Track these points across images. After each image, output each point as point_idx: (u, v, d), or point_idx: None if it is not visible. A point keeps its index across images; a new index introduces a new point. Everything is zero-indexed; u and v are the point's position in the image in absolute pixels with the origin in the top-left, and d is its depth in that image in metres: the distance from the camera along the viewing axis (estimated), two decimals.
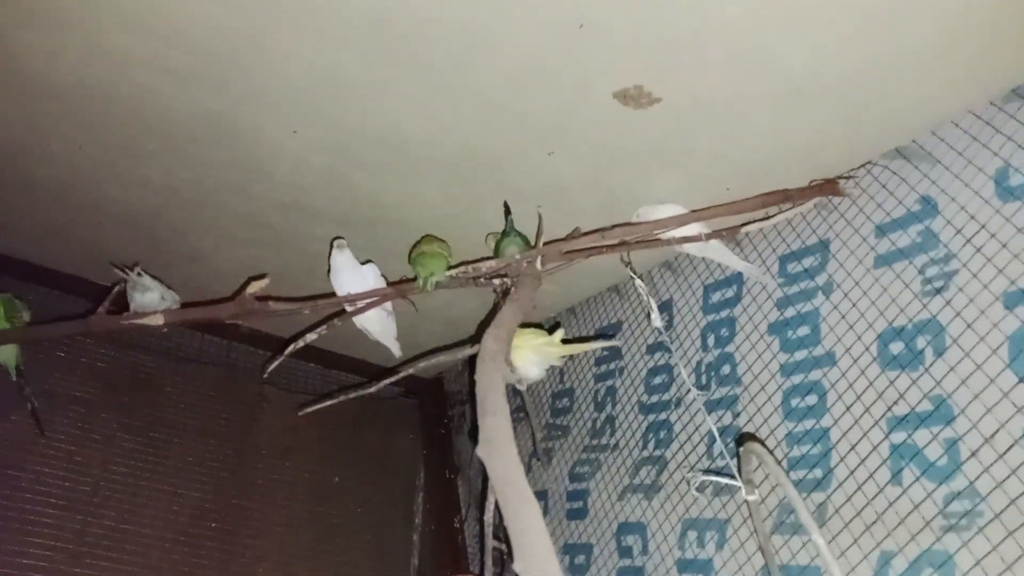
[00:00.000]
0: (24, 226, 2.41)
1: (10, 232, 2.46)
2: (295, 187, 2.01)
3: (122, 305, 1.96)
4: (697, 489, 1.67)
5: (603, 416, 2.28)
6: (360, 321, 1.96)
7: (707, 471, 1.68)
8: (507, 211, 1.83)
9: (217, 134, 1.79)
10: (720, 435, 1.84)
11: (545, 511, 2.33)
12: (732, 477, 1.39)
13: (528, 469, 2.45)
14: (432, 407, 3.19)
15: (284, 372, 2.92)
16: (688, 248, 1.78)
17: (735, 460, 1.39)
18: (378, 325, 2.02)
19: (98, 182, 2.07)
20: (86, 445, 2.32)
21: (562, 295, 2.49)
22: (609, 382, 2.29)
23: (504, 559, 2.25)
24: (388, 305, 1.99)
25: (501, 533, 2.31)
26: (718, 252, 1.78)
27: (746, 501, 1.29)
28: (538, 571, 0.91)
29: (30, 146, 1.93)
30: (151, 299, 1.95)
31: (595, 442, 2.27)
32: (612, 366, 2.29)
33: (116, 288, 1.88)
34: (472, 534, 2.71)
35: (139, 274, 1.96)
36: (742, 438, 1.58)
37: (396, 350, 2.08)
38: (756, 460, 1.24)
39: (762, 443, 1.37)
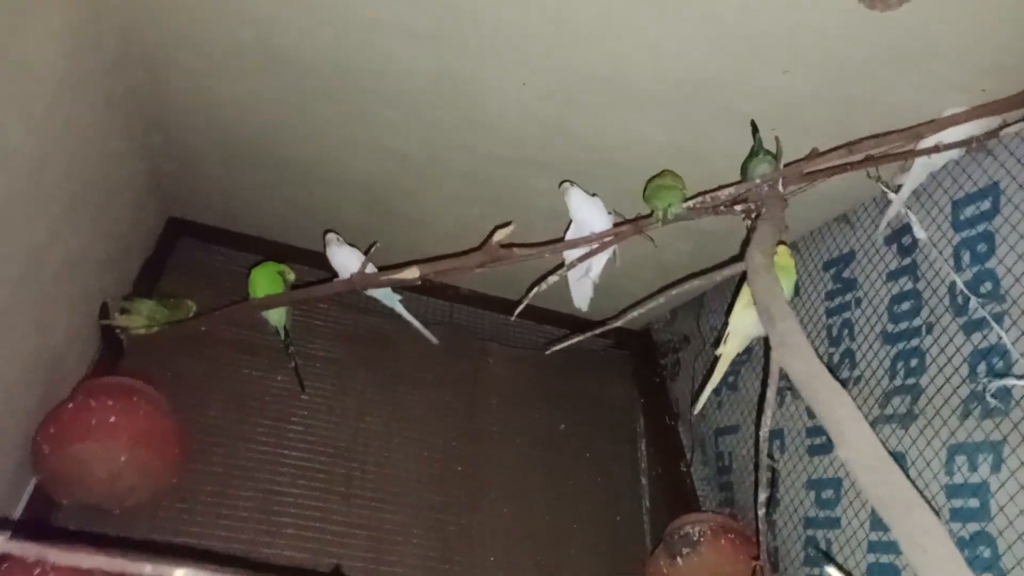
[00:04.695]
0: (270, 206, 2.67)
1: (258, 212, 2.74)
2: (518, 140, 2.09)
3: None
4: (993, 396, 1.58)
5: (840, 350, 2.20)
6: (589, 263, 2.00)
7: (1002, 375, 1.59)
8: (755, 130, 1.78)
9: (449, 94, 1.91)
10: (985, 357, 1.74)
11: (782, 448, 2.30)
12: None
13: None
14: (643, 357, 3.22)
15: (500, 329, 3.07)
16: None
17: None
18: (598, 270, 2.05)
19: (338, 154, 2.27)
20: (343, 400, 2.57)
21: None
22: (845, 314, 2.20)
23: (776, 477, 2.25)
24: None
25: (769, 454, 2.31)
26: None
27: None
28: (865, 454, 0.91)
29: (279, 124, 2.14)
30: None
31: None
32: (848, 298, 2.20)
33: (371, 249, 2.05)
34: (700, 477, 2.72)
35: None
36: None
37: (586, 304, 2.09)
38: None
39: None
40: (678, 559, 2.16)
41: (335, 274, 2.17)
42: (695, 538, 2.17)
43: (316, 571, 2.16)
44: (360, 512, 2.37)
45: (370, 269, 2.04)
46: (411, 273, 1.90)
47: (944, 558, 0.75)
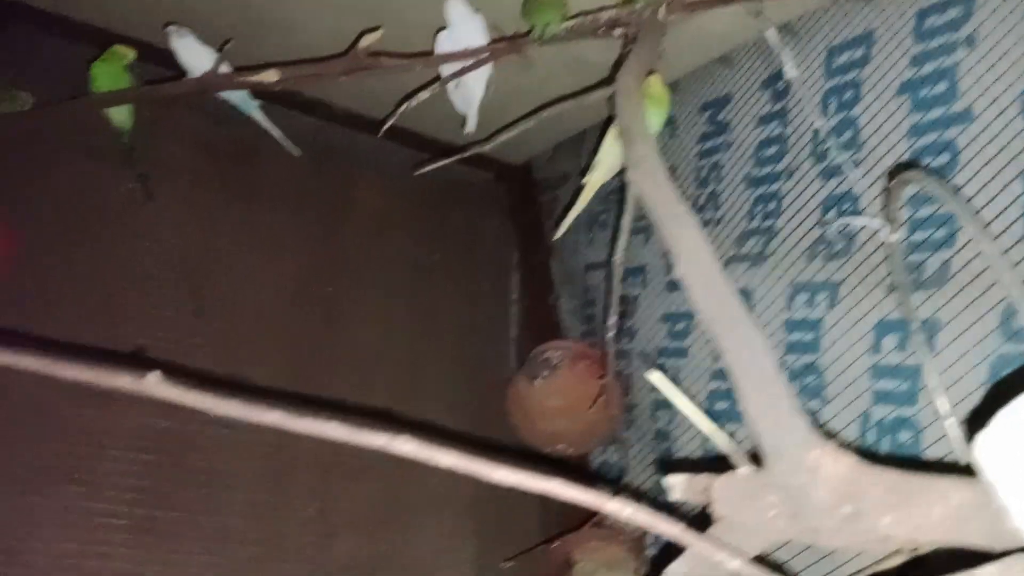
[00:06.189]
0: None
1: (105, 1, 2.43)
2: None
3: None
4: (839, 232, 1.66)
5: (707, 192, 2.25)
6: (467, 80, 1.90)
7: (845, 216, 1.66)
8: None
9: None
10: (837, 202, 1.82)
11: (644, 283, 2.38)
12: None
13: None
14: (522, 193, 3.20)
15: (376, 153, 2.94)
16: None
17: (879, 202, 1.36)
18: (481, 87, 1.96)
19: None
20: (194, 210, 2.42)
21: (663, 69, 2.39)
22: (715, 157, 2.24)
23: (629, 305, 2.34)
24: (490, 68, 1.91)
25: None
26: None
27: (883, 243, 1.27)
28: (699, 271, 0.93)
29: None
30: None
31: (698, 218, 2.26)
32: (720, 140, 2.23)
33: (226, 46, 1.87)
34: (567, 310, 2.80)
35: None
36: (896, 170, 1.53)
37: (473, 123, 2.01)
38: (906, 195, 1.20)
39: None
40: (536, 381, 2.25)
41: (184, 74, 1.97)
42: (554, 362, 2.27)
43: (115, 351, 2.08)
44: (210, 326, 2.30)
45: (224, 69, 1.87)
46: (270, 76, 1.75)
47: (761, 369, 0.78)
